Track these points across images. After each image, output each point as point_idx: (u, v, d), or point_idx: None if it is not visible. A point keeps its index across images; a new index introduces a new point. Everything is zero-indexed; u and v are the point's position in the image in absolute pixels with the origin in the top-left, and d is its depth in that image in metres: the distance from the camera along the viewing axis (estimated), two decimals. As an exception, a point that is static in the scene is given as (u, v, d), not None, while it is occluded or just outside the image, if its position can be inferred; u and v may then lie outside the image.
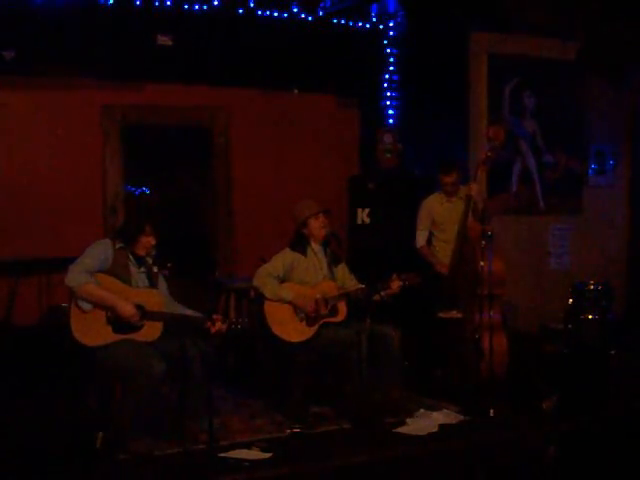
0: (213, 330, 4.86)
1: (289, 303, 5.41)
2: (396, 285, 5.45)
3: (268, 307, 5.42)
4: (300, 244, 5.60)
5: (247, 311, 6.71)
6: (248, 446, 4.77)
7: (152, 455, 4.63)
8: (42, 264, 6.50)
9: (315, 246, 5.64)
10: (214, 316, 4.92)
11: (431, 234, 6.53)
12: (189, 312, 5.05)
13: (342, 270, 5.76)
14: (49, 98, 6.86)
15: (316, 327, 5.44)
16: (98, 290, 4.73)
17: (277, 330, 5.39)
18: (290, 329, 5.41)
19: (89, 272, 4.74)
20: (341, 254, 5.88)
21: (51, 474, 4.43)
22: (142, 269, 4.98)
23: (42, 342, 6.05)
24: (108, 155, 7.13)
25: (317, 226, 5.59)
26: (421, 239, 6.53)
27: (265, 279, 5.44)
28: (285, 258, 5.54)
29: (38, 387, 5.75)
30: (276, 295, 5.41)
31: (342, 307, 5.54)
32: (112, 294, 4.75)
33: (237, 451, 4.68)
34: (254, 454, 4.65)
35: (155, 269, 5.03)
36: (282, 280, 5.49)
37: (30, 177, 6.83)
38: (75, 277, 4.69)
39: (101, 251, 4.84)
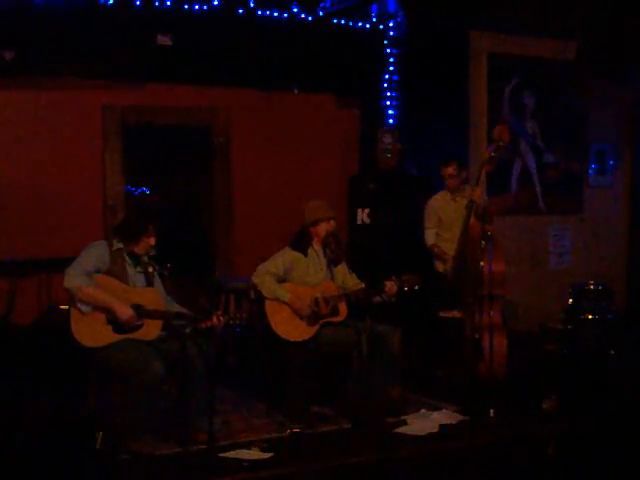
0: (209, 324, 4.84)
1: (285, 304, 5.41)
2: (393, 289, 5.44)
3: (269, 306, 5.41)
4: (302, 243, 5.58)
5: (247, 311, 6.72)
6: (248, 446, 4.76)
7: (152, 455, 4.63)
8: (42, 264, 6.49)
9: (316, 246, 5.64)
10: (213, 311, 4.91)
11: (436, 233, 6.52)
12: (184, 310, 5.02)
13: (342, 270, 5.73)
14: (49, 98, 6.85)
15: (316, 327, 5.43)
16: (96, 292, 4.72)
17: (278, 329, 5.38)
18: (291, 328, 5.39)
19: (87, 274, 4.73)
20: (341, 254, 5.86)
21: (51, 474, 4.43)
22: (138, 269, 4.96)
23: (42, 342, 6.05)
24: (108, 155, 7.11)
25: (326, 230, 5.59)
26: (430, 237, 6.52)
27: (264, 277, 5.43)
28: (285, 257, 5.53)
29: (38, 387, 5.75)
30: (273, 294, 5.39)
31: (342, 307, 5.53)
32: (110, 296, 4.74)
33: (237, 451, 4.68)
34: (254, 454, 4.64)
35: (150, 268, 5.00)
36: (282, 279, 5.48)
37: (30, 177, 6.81)
38: (73, 279, 4.68)
39: (98, 252, 4.83)
